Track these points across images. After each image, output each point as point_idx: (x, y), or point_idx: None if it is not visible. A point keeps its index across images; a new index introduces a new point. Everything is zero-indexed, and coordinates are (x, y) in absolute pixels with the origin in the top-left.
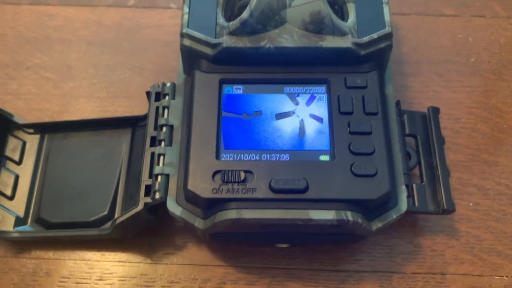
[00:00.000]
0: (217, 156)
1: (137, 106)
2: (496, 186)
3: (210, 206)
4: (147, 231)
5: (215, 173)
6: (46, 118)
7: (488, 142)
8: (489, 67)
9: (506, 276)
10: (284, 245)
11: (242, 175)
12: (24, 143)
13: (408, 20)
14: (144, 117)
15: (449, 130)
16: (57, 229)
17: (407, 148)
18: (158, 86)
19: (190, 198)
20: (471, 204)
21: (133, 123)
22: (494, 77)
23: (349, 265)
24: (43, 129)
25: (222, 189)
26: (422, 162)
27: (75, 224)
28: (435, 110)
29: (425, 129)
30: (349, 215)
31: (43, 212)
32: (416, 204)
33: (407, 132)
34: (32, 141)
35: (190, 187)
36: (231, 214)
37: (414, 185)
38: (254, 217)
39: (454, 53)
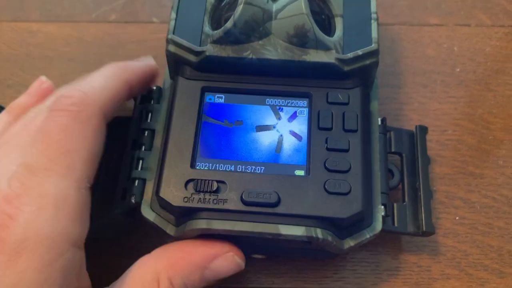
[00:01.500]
0: (192, 164)
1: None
2: (482, 199)
3: (181, 214)
4: (127, 233)
5: (188, 181)
6: None
7: (474, 154)
8: (474, 77)
9: None
10: (260, 256)
11: (215, 185)
12: None
13: (392, 30)
14: (130, 118)
15: (435, 142)
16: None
17: (391, 166)
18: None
19: (163, 205)
20: (457, 218)
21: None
22: (479, 87)
23: (334, 283)
24: None
25: (194, 198)
26: (406, 181)
27: None
28: (423, 129)
29: (411, 148)
30: (319, 233)
31: None
32: (396, 224)
33: (392, 149)
34: None
35: (161, 194)
36: (201, 224)
37: (395, 205)
38: (223, 228)
39: (439, 63)
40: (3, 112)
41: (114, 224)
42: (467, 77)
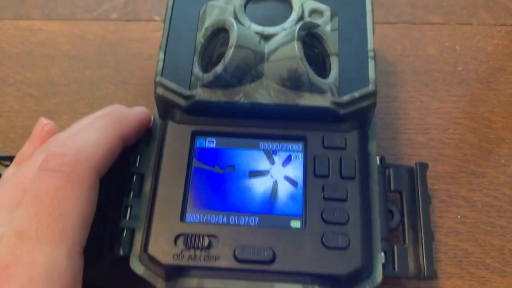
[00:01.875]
0: (182, 217)
1: None
2: (484, 197)
3: (171, 270)
4: (113, 280)
5: (178, 236)
6: (29, 136)
7: (476, 153)
8: (476, 76)
9: None
10: None
11: (206, 240)
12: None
13: (394, 28)
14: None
15: (436, 141)
16: None
17: (390, 206)
18: None
19: (152, 260)
20: (459, 216)
21: None
22: (481, 86)
23: None
24: None
25: (184, 255)
26: (406, 221)
27: None
28: (423, 166)
29: (411, 185)
30: None
31: None
32: (396, 268)
33: (391, 188)
34: None
35: (150, 251)
36: (192, 282)
37: (395, 247)
38: (216, 287)
39: (441, 62)
40: (11, 164)
41: (102, 273)
42: (469, 76)
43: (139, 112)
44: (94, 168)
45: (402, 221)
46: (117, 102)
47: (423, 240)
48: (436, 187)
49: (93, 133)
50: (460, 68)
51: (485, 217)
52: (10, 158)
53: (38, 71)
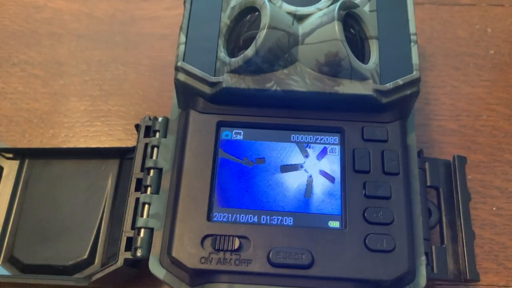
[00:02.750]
0: (209, 217)
1: (132, 105)
2: None
3: (198, 275)
4: (128, 283)
5: (205, 237)
6: (34, 119)
7: (511, 141)
8: (509, 60)
9: None
10: None
11: (237, 242)
12: (1, 169)
13: (422, 9)
14: (133, 149)
15: (469, 129)
16: (31, 273)
17: (428, 203)
18: (150, 119)
19: (175, 263)
20: (494, 208)
21: (122, 155)
22: None
23: None
24: (23, 154)
25: (212, 258)
26: (444, 220)
27: (51, 268)
28: (461, 160)
29: (448, 180)
30: None
31: (16, 251)
32: (435, 270)
33: (428, 183)
34: (10, 167)
35: (174, 253)
36: None
37: (433, 248)
38: None
39: (471, 45)
40: None
41: (117, 274)
42: (501, 60)
43: None
44: None
45: (440, 219)
46: (128, 84)
47: (464, 240)
48: (469, 177)
49: None
50: (492, 52)
51: None
52: (12, 150)
53: (44, 50)
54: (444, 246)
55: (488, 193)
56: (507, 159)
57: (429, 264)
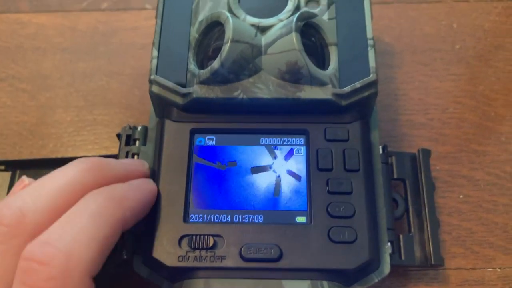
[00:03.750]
0: (185, 218)
1: (116, 114)
2: (486, 176)
3: (177, 272)
4: (118, 283)
5: (182, 237)
6: (24, 132)
7: (477, 132)
8: (474, 54)
9: (499, 268)
10: None
11: (211, 241)
12: None
13: (390, 8)
14: (116, 157)
15: (436, 121)
16: None
17: (394, 195)
18: (130, 128)
19: (156, 262)
20: (461, 196)
21: None
22: (480, 63)
23: None
24: (14, 165)
25: (189, 256)
26: (411, 209)
27: None
28: (426, 153)
29: (414, 172)
30: (325, 285)
31: None
32: (403, 257)
33: (394, 176)
34: (3, 178)
35: (154, 254)
36: (199, 283)
37: (401, 236)
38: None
39: (438, 40)
40: None
41: (105, 275)
42: (467, 54)
43: (144, 189)
44: (88, 273)
45: (407, 209)
46: (112, 93)
47: (429, 228)
48: (437, 167)
49: (85, 222)
50: (458, 47)
51: (488, 196)
52: (4, 162)
53: (30, 65)
54: (411, 234)
55: (455, 182)
56: (473, 148)
57: (395, 252)
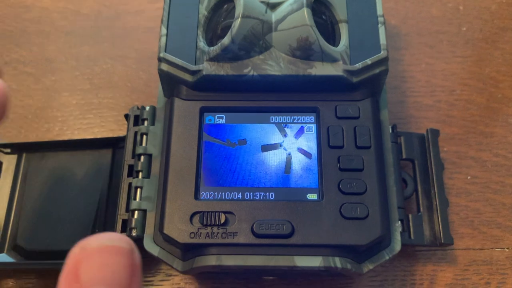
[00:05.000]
0: (196, 196)
1: (121, 97)
2: (493, 157)
3: (189, 249)
4: None
5: (193, 214)
6: (29, 115)
7: (484, 113)
8: (481, 36)
9: (507, 248)
10: (270, 277)
11: (223, 217)
12: (0, 164)
13: None
14: (124, 138)
15: (443, 103)
16: (34, 259)
17: (403, 174)
18: (138, 108)
19: (167, 240)
20: (469, 177)
21: (114, 144)
22: (486, 45)
23: None
24: (20, 148)
25: (201, 233)
26: (419, 189)
27: (54, 253)
28: (434, 133)
29: (423, 153)
30: (337, 262)
31: (19, 239)
32: (412, 236)
33: (403, 156)
34: (9, 161)
35: (166, 230)
36: (211, 260)
37: (410, 216)
38: (235, 264)
39: (444, 23)
40: None
41: None
42: (473, 36)
43: None
44: None
45: (415, 189)
46: (117, 76)
47: (438, 208)
48: (445, 149)
49: None
50: (464, 29)
51: (495, 177)
52: (10, 145)
53: (34, 48)
54: (420, 214)
55: (463, 163)
56: (481, 130)
57: (405, 230)
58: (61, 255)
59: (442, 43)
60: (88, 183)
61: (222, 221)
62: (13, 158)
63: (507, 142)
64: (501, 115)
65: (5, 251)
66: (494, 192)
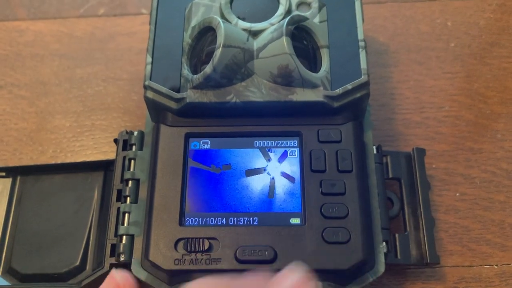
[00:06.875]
0: (181, 222)
1: (114, 119)
2: (482, 174)
3: (174, 275)
4: None
5: (178, 241)
6: (23, 138)
7: (472, 130)
8: (469, 52)
9: (496, 265)
10: None
11: (207, 244)
12: None
13: (384, 8)
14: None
15: (432, 120)
16: (28, 282)
17: (390, 194)
18: (126, 133)
19: (154, 265)
20: (457, 194)
21: (105, 167)
22: (475, 61)
23: None
24: (15, 172)
25: (185, 259)
26: (406, 209)
27: (47, 276)
28: (420, 152)
29: (409, 172)
30: (320, 286)
31: (14, 262)
32: (399, 256)
33: (390, 175)
34: (4, 184)
35: (151, 257)
36: None
37: (396, 235)
38: None
39: (433, 39)
40: None
41: (104, 278)
42: (462, 52)
43: None
44: None
45: (402, 208)
46: (110, 98)
47: (424, 227)
48: (434, 166)
49: None
50: (453, 44)
51: (484, 193)
52: (5, 169)
53: (28, 72)
54: (406, 233)
55: (452, 180)
56: (469, 146)
57: (390, 251)
58: (54, 278)
59: (431, 60)
60: (81, 206)
61: (206, 247)
62: (7, 182)
63: (496, 158)
64: (490, 131)
65: (0, 274)
66: (483, 209)
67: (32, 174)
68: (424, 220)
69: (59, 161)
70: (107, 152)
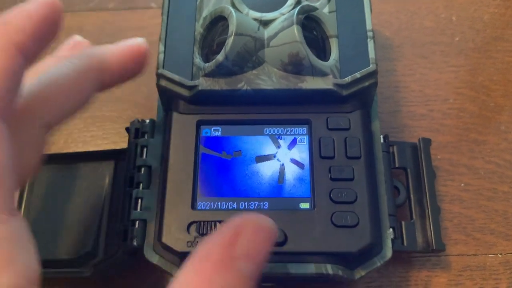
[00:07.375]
0: (193, 205)
1: (123, 110)
2: (486, 165)
3: (185, 257)
4: (128, 270)
5: (190, 224)
6: None
7: (476, 122)
8: (474, 46)
9: (500, 254)
10: (269, 284)
11: (218, 226)
12: None
13: (389, 3)
14: (126, 150)
15: (436, 112)
16: (41, 268)
17: (396, 182)
18: (138, 121)
19: (166, 248)
20: (462, 184)
21: (116, 156)
22: (479, 55)
23: None
24: None
25: (197, 242)
26: (412, 197)
27: (59, 262)
28: (426, 142)
29: (415, 161)
30: (329, 268)
31: None
32: (405, 243)
33: (396, 165)
34: None
35: (164, 239)
36: None
37: (403, 223)
38: None
39: (438, 33)
40: None
41: (115, 263)
42: (466, 46)
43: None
44: (43, 123)
45: (408, 197)
46: (119, 91)
47: (430, 215)
48: (438, 157)
49: (54, 71)
50: (457, 39)
51: (488, 184)
52: None
53: None
54: (412, 221)
55: (456, 171)
56: (473, 138)
57: (397, 238)
58: (64, 263)
59: (435, 54)
60: (92, 194)
61: None
62: None
63: (499, 150)
64: (494, 123)
65: None
66: (487, 199)
67: (44, 163)
68: (430, 208)
69: (70, 151)
70: (117, 142)
